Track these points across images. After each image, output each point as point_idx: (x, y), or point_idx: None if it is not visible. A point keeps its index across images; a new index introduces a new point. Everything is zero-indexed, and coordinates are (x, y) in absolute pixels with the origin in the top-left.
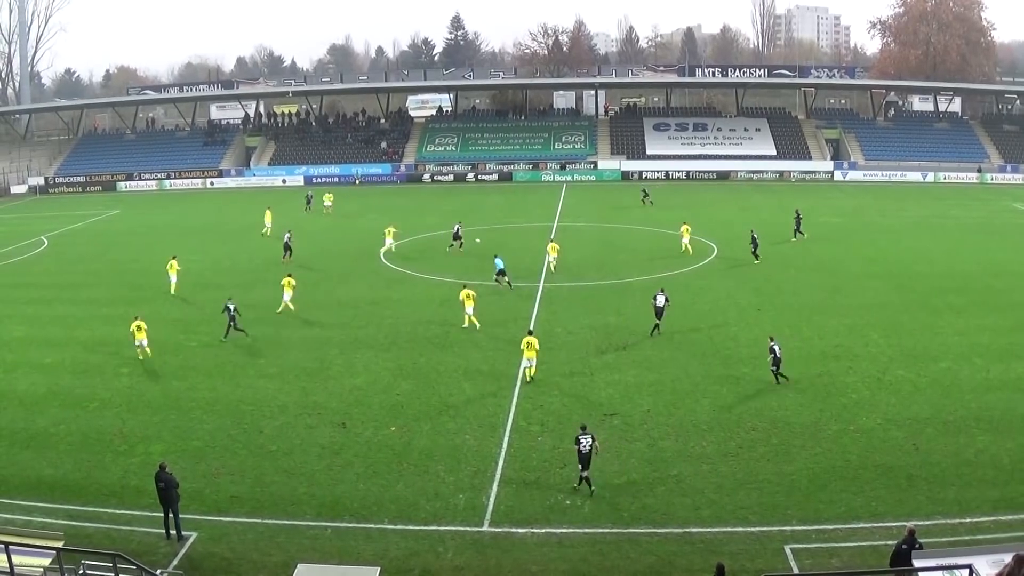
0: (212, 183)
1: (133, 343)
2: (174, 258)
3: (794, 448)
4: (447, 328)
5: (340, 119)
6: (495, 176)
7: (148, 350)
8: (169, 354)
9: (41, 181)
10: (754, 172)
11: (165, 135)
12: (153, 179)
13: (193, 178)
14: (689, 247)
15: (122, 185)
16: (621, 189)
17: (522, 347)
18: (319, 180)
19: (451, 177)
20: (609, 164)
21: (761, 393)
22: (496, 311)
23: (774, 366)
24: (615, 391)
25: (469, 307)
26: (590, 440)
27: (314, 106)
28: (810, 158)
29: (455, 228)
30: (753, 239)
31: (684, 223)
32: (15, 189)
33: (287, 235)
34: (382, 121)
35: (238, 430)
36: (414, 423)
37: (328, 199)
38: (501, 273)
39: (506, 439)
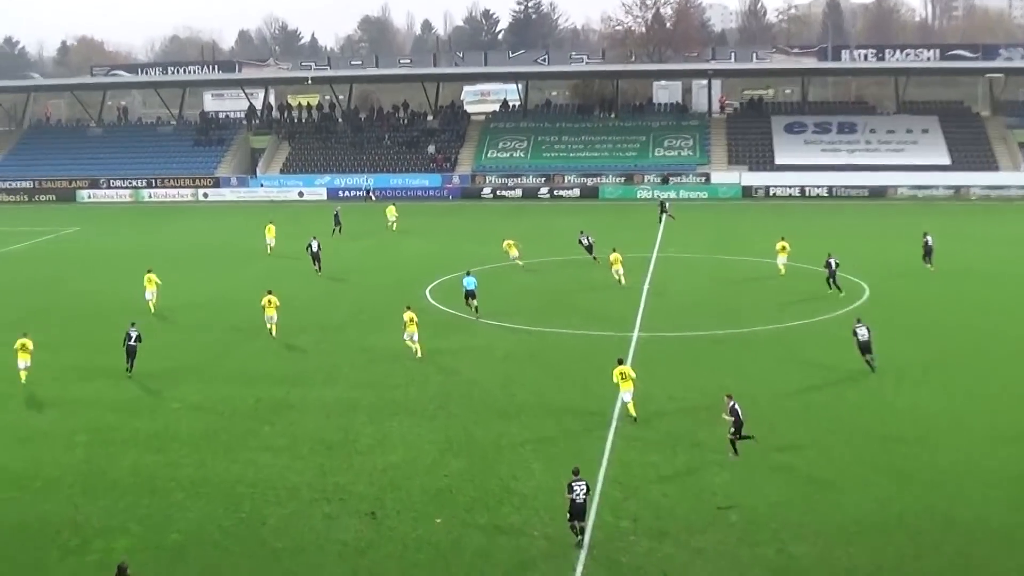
0: (206, 195)
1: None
2: (151, 271)
3: (978, 560)
4: (512, 390)
5: (375, 114)
6: (575, 191)
7: (23, 375)
8: (142, 416)
9: None
10: (920, 187)
11: (143, 130)
12: (126, 187)
13: (181, 187)
14: (782, 268)
15: (83, 194)
16: (742, 210)
17: (615, 379)
18: (347, 194)
19: (518, 192)
20: (726, 177)
21: (933, 484)
22: (577, 370)
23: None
24: (732, 476)
25: (412, 332)
26: (585, 489)
27: (341, 97)
28: (997, 168)
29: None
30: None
31: (782, 239)
32: None
33: (314, 242)
34: (429, 118)
35: (232, 520)
36: (466, 515)
37: (392, 213)
38: (470, 295)
39: (587, 539)
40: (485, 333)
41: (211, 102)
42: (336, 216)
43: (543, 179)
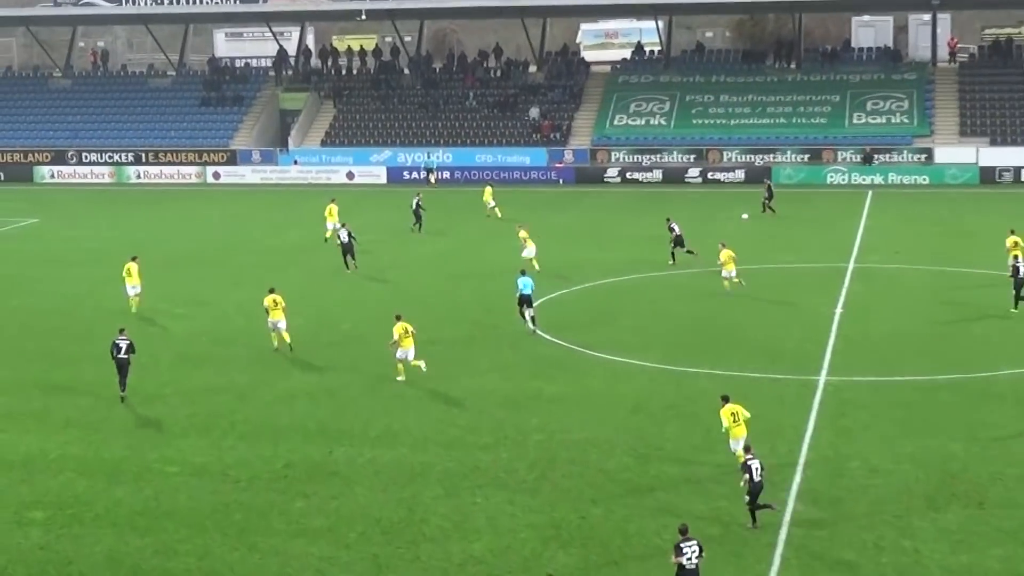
0: (217, 175)
1: None
2: (134, 259)
3: None
4: (644, 454)
5: (454, 64)
6: (739, 174)
7: None
8: (124, 482)
9: None
10: None
11: (129, 83)
12: (105, 163)
13: (182, 164)
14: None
15: (44, 172)
16: (980, 202)
17: (725, 422)
18: (412, 175)
19: (657, 175)
20: (956, 154)
21: None
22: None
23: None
24: None
25: (409, 350)
26: (698, 550)
27: (408, 39)
28: None
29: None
30: None
31: (1011, 232)
32: None
33: (344, 231)
34: (532, 69)
35: None
36: None
37: (489, 195)
38: (525, 302)
39: None
40: (605, 373)
41: (225, 44)
42: (416, 207)
43: (692, 156)
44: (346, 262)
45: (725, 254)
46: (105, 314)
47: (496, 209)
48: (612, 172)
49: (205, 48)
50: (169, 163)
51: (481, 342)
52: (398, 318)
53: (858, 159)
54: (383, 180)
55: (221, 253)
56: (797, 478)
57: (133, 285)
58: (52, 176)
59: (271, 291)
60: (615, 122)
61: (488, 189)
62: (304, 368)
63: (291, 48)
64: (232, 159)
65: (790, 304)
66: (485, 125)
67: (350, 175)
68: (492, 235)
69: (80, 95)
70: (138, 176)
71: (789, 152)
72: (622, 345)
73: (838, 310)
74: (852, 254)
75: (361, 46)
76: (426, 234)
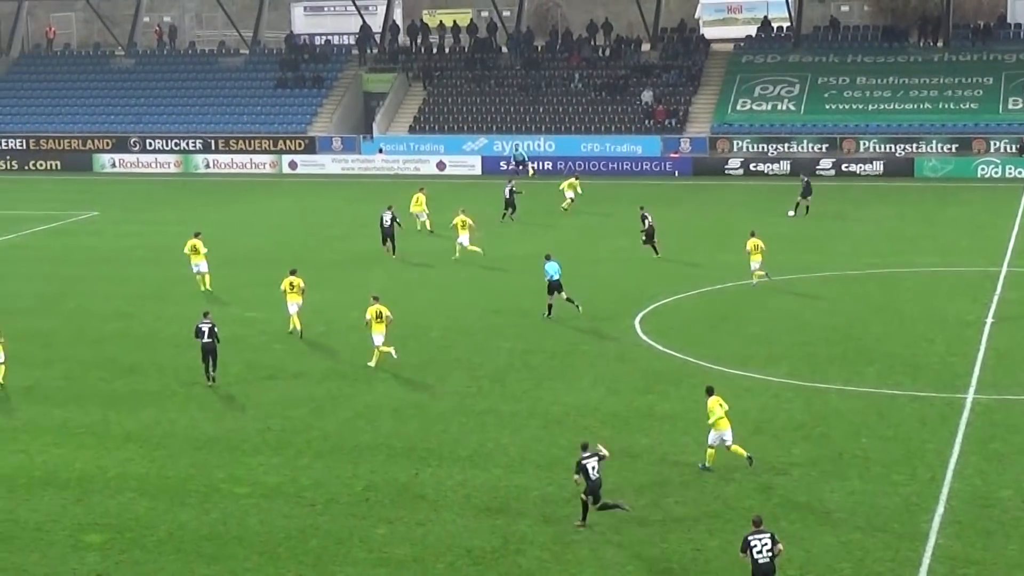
0: (293, 165)
1: None
2: (197, 236)
3: None
4: (765, 478)
5: (558, 42)
6: (877, 166)
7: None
8: (190, 505)
9: None
10: None
11: (197, 63)
12: (170, 151)
13: (255, 152)
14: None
15: (104, 160)
16: None
17: (711, 417)
18: (510, 166)
19: (785, 167)
20: None
21: None
22: (875, 453)
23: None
24: None
25: (378, 335)
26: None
27: (506, 13)
28: None
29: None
30: None
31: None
32: None
33: (388, 214)
34: (645, 47)
35: None
36: None
37: (570, 187)
38: (556, 287)
39: None
40: (725, 388)
41: (304, 20)
42: (509, 195)
43: (824, 146)
44: (386, 247)
45: (752, 243)
46: (169, 318)
47: (571, 205)
48: (734, 163)
49: (281, 24)
50: (241, 151)
51: (585, 353)
52: (375, 299)
53: (1013, 150)
54: (477, 171)
55: (297, 251)
56: (940, 509)
57: (198, 263)
58: (113, 165)
59: (292, 272)
60: (738, 107)
61: (572, 182)
62: (388, 380)
63: (376, 24)
64: (310, 147)
65: (934, 313)
66: (592, 110)
67: (441, 165)
68: (598, 234)
69: (144, 76)
70: (207, 165)
71: (935, 142)
72: (744, 357)
73: (989, 320)
74: (1005, 257)
75: (454, 21)
76: (523, 225)
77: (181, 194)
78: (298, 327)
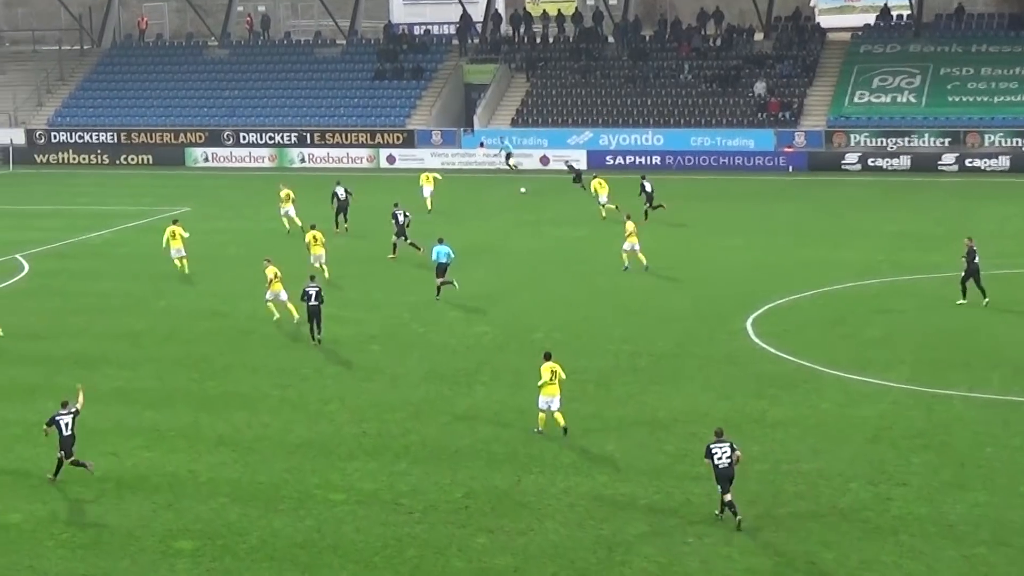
0: (391, 159)
1: None
2: (176, 223)
3: None
4: (884, 488)
5: (667, 32)
6: (1003, 161)
7: None
8: (283, 511)
9: (19, 137)
10: None
11: (293, 53)
12: (264, 145)
13: (351, 146)
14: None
15: (197, 154)
16: None
17: (541, 379)
18: (617, 160)
19: (905, 162)
20: None
21: None
22: (1000, 463)
23: None
24: None
25: (277, 291)
26: (728, 450)
27: (612, 2)
28: None
29: None
30: None
31: None
32: None
33: (402, 215)
34: (758, 37)
35: None
36: None
37: (602, 189)
38: (441, 271)
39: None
40: (841, 393)
41: (402, 9)
42: (572, 170)
43: (947, 140)
44: (336, 221)
45: (630, 226)
46: (263, 317)
47: (605, 208)
48: (851, 158)
49: (379, 13)
50: (337, 145)
51: (695, 356)
52: (267, 261)
53: None
54: (583, 165)
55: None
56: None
57: (178, 248)
58: (206, 159)
59: (312, 227)
60: (855, 99)
61: (600, 181)
62: (489, 383)
63: (478, 13)
64: (409, 140)
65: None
66: (702, 103)
67: (544, 160)
68: (708, 231)
69: (238, 67)
70: (302, 160)
71: None
72: (861, 361)
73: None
74: None
75: (559, 11)
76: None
77: (275, 190)
78: (326, 274)
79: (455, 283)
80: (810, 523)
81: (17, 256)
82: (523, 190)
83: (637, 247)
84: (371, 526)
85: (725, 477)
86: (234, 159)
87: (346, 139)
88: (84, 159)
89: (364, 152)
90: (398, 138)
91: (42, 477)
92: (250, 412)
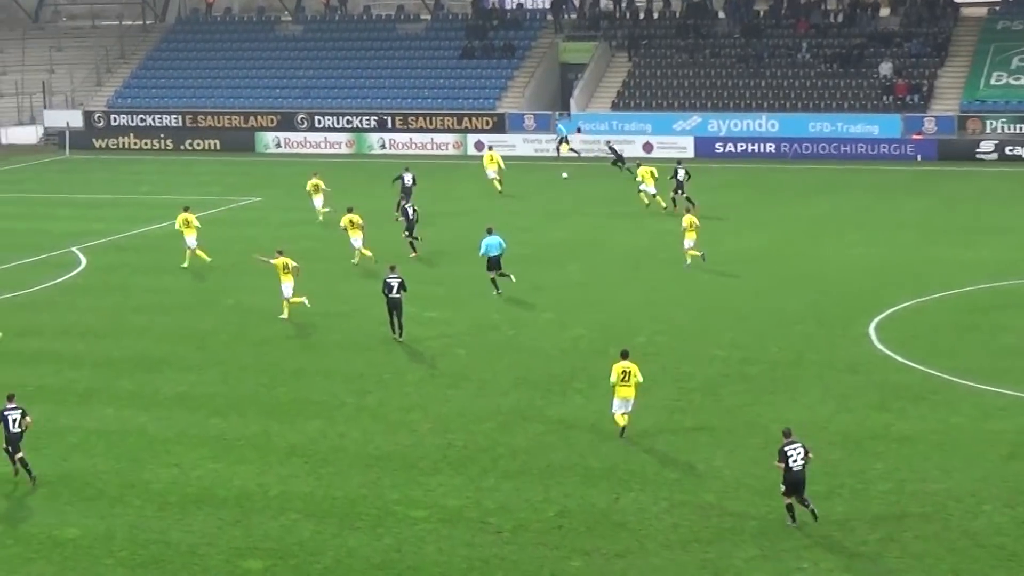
0: (479, 144)
1: None
2: (187, 210)
3: None
4: (1021, 511)
5: (782, 7)
6: None
7: None
8: (362, 528)
9: (76, 120)
10: None
11: (373, 30)
12: (342, 129)
13: (436, 131)
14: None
15: (268, 139)
16: None
17: (613, 378)
18: (726, 148)
19: None
20: None
21: None
22: None
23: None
24: None
25: (287, 284)
26: (803, 451)
27: None
28: None
29: None
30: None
31: None
32: (14, 135)
33: (410, 209)
34: (884, 13)
35: None
36: None
37: (648, 175)
38: (494, 265)
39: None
40: (974, 406)
41: None
42: (677, 179)
43: None
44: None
45: (687, 220)
46: (337, 316)
47: (659, 198)
48: (987, 146)
49: None
50: (421, 130)
51: (813, 364)
52: (279, 253)
53: None
54: (689, 153)
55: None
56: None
57: (191, 237)
58: (278, 145)
59: (349, 210)
60: (992, 81)
61: (650, 170)
62: (586, 391)
63: None
64: (499, 125)
65: None
66: (821, 84)
67: (648, 146)
68: (826, 227)
69: (313, 45)
70: (382, 145)
71: None
72: (997, 371)
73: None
74: None
75: None
76: (738, 217)
77: (354, 178)
78: (367, 254)
79: (512, 276)
80: (938, 548)
81: (74, 249)
82: (565, 175)
83: (693, 243)
84: (455, 546)
85: (798, 481)
86: (308, 145)
87: (430, 123)
88: (146, 144)
89: (450, 138)
90: (487, 122)
91: (102, 490)
92: (324, 421)
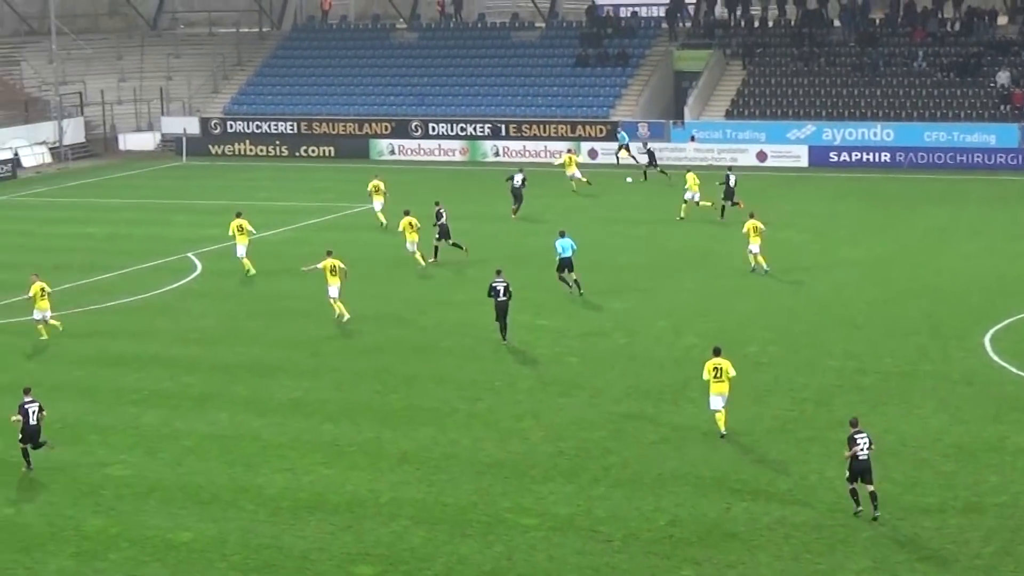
0: (593, 152)
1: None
2: (239, 215)
3: None
4: None
5: (899, 15)
6: None
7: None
8: (472, 535)
9: (193, 127)
10: None
11: (488, 37)
12: (455, 137)
13: (550, 138)
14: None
15: (382, 146)
16: None
17: (705, 375)
18: (841, 157)
19: None
20: None
21: None
22: None
23: None
24: None
25: (334, 287)
26: (868, 441)
27: None
28: None
29: None
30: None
31: None
32: (132, 141)
33: (443, 213)
34: (1002, 20)
35: None
36: None
37: (694, 182)
38: (566, 265)
39: None
40: None
41: None
42: (728, 185)
43: None
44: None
45: (751, 225)
46: (451, 326)
47: (703, 203)
48: None
49: None
50: (535, 137)
51: (927, 375)
52: (328, 253)
53: None
54: (803, 162)
55: (598, 251)
56: None
57: (244, 245)
58: (392, 152)
59: (406, 213)
60: None
61: (694, 176)
62: (698, 400)
63: None
64: (613, 133)
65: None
66: (938, 93)
67: (761, 155)
68: (943, 237)
69: (428, 52)
70: (496, 153)
71: None
72: None
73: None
74: None
75: None
76: (854, 225)
77: (466, 185)
78: (421, 263)
79: (580, 288)
80: None
81: (190, 255)
82: (629, 180)
83: (757, 248)
84: (566, 555)
85: (865, 469)
86: (422, 152)
87: (544, 131)
88: (261, 150)
89: (564, 145)
90: (601, 130)
91: (215, 494)
92: (436, 428)
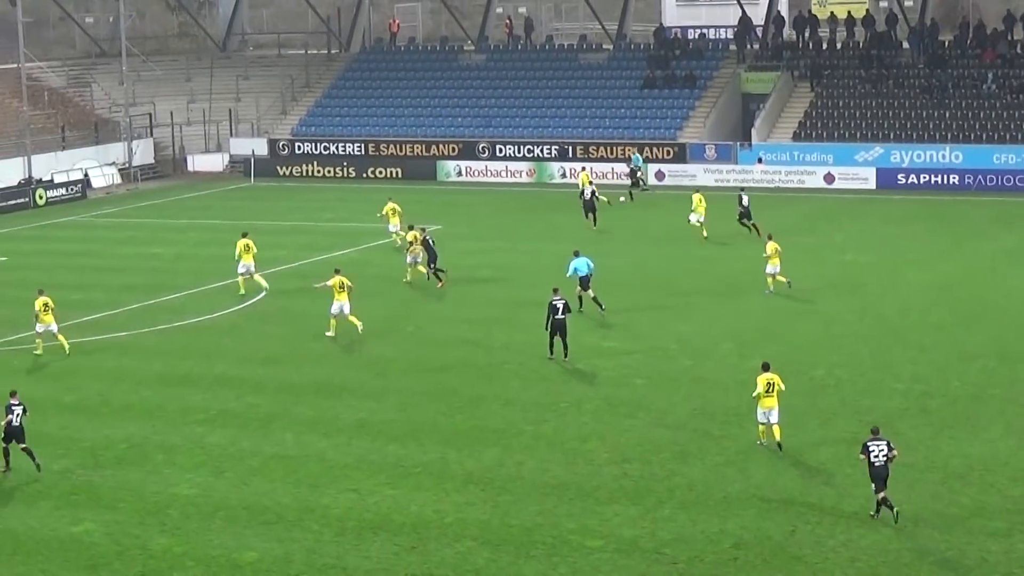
0: (660, 174)
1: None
2: (245, 236)
3: None
4: None
5: (969, 36)
6: None
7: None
8: (537, 556)
9: (261, 148)
10: None
11: (555, 59)
12: (523, 158)
13: (617, 161)
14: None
15: (449, 168)
16: None
17: (759, 388)
18: (910, 179)
19: None
20: None
21: None
22: None
23: None
24: None
25: (343, 303)
26: (885, 448)
27: (908, 3)
28: None
29: None
30: None
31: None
32: (200, 162)
33: (424, 232)
34: None
35: None
36: None
37: (700, 205)
38: (584, 285)
39: None
40: None
41: (676, 11)
42: (743, 205)
43: None
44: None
45: (771, 247)
46: (518, 347)
47: (703, 225)
48: None
49: (651, 15)
50: (602, 159)
51: (994, 398)
52: (336, 271)
53: None
54: (871, 184)
55: (663, 273)
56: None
57: (247, 264)
58: (459, 173)
59: (411, 227)
60: None
61: (700, 196)
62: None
63: (758, 16)
64: (680, 155)
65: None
66: (1007, 116)
67: (829, 177)
68: (1010, 260)
69: (495, 73)
70: (563, 175)
71: None
72: None
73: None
74: None
75: (848, 12)
76: (922, 248)
77: (534, 207)
78: (421, 270)
79: (601, 303)
80: None
81: (256, 276)
82: (622, 199)
83: (777, 269)
84: None
85: (880, 476)
86: (489, 173)
87: (611, 153)
88: (329, 171)
89: (623, 168)
90: (668, 152)
91: (280, 514)
92: (502, 449)
